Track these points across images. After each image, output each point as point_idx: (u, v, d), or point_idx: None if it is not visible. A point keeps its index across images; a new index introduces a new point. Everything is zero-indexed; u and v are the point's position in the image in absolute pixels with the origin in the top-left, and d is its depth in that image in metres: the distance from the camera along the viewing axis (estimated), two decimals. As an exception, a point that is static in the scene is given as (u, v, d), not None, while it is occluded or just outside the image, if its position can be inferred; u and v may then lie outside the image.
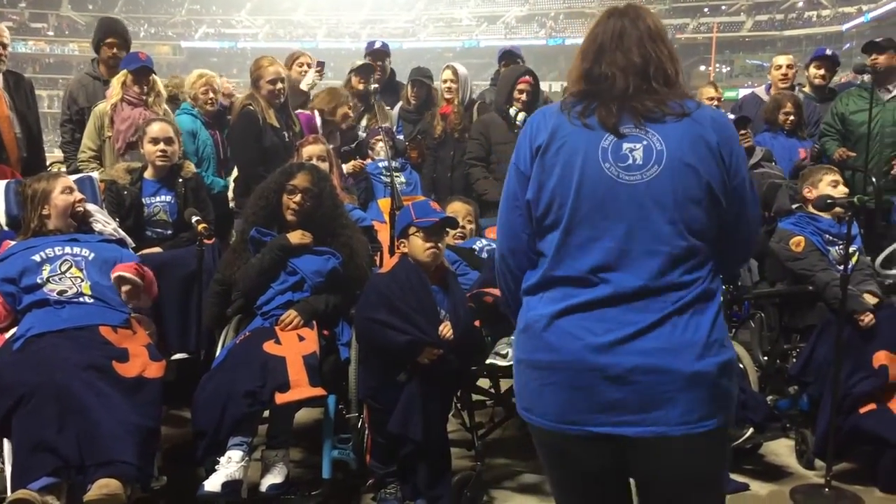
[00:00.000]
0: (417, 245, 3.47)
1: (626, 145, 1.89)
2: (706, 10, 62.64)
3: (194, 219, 3.85)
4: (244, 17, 71.85)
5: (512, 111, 5.39)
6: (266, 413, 3.29)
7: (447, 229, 3.64)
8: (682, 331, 1.83)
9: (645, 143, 1.89)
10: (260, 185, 3.89)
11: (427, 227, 3.47)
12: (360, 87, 5.86)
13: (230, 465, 3.06)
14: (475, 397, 3.92)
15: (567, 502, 2.09)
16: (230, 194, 5.16)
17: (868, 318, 3.87)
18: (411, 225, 3.49)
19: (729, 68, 58.00)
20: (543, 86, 6.74)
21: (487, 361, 3.51)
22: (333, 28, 70.29)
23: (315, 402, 3.33)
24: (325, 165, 4.41)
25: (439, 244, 3.49)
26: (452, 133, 5.79)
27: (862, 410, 3.71)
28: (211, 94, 5.31)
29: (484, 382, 4.04)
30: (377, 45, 6.63)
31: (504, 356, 3.46)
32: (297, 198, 3.73)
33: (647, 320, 1.83)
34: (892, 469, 3.63)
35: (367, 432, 3.47)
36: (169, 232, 4.33)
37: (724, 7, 62.51)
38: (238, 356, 3.32)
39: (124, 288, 3.56)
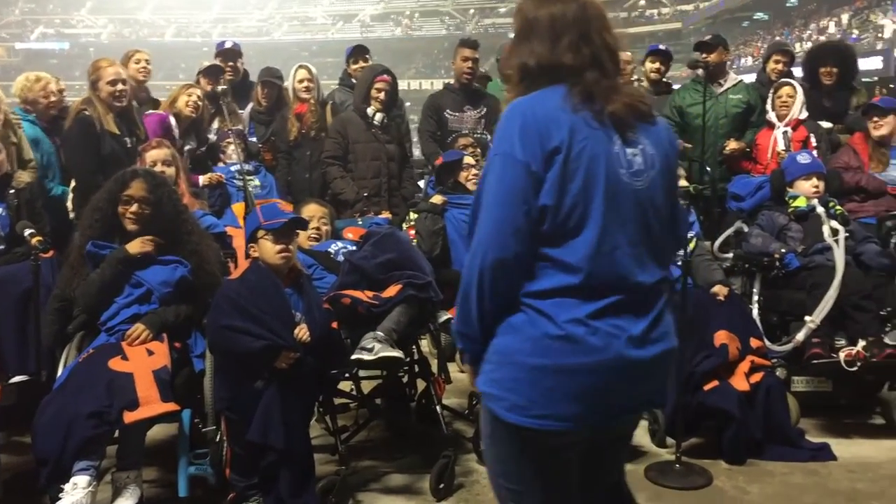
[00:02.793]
0: (267, 248, 3.40)
1: (629, 150, 1.94)
2: (556, 8, 64.40)
3: (27, 232, 3.62)
4: (85, 15, 68.23)
5: (370, 111, 5.36)
6: (117, 433, 3.13)
7: (298, 231, 3.58)
8: (669, 316, 2.02)
9: (641, 147, 1.96)
10: (94, 196, 3.68)
11: (276, 228, 3.40)
12: (210, 89, 5.67)
13: (76, 491, 2.90)
14: (338, 400, 3.89)
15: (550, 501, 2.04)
16: (69, 204, 4.87)
17: (725, 291, 4.13)
18: (259, 228, 3.41)
19: (579, 64, 59.93)
20: (401, 84, 6.73)
21: (353, 357, 3.48)
22: (183, 27, 67.88)
23: (168, 417, 3.19)
24: (170, 170, 4.24)
25: (290, 246, 3.43)
26: (308, 133, 5.70)
27: (706, 388, 3.91)
28: (52, 98, 5.03)
29: (346, 385, 4.00)
30: (228, 44, 6.44)
31: (370, 350, 3.44)
32: (134, 207, 3.56)
33: (655, 312, 1.96)
34: (735, 442, 3.85)
35: (225, 445, 3.35)
36: (1, 247, 4.05)
37: (572, 5, 64.49)
38: (81, 375, 3.14)
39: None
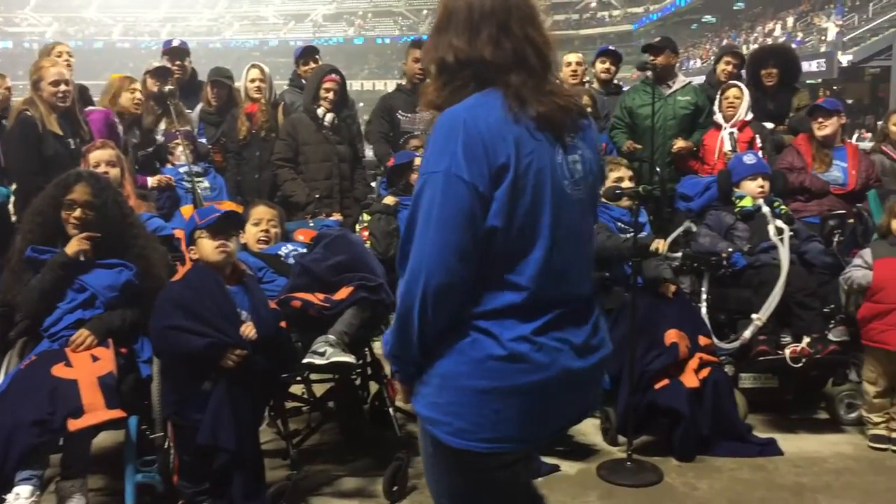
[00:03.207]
0: (206, 246, 3.37)
1: (570, 157, 1.85)
2: (508, 9, 64.84)
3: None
4: (29, 13, 66.66)
5: (320, 111, 5.32)
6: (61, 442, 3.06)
7: (237, 229, 3.55)
8: (604, 321, 2.01)
9: (580, 153, 1.88)
10: (36, 199, 3.59)
11: (211, 224, 3.37)
12: (157, 89, 5.57)
13: (18, 501, 2.84)
14: (290, 404, 3.85)
15: None
16: (11, 207, 4.75)
17: (673, 288, 4.16)
18: (196, 229, 3.38)
19: (532, 65, 60.42)
20: (355, 84, 6.71)
21: (304, 361, 3.43)
22: (131, 26, 66.78)
23: (115, 424, 3.13)
24: (115, 171, 4.15)
25: (228, 242, 3.40)
26: (259, 133, 5.64)
27: (657, 386, 3.96)
28: None
29: (297, 388, 3.97)
30: (175, 43, 6.33)
31: (322, 354, 3.40)
32: (77, 212, 3.47)
33: (593, 320, 1.95)
34: (685, 439, 3.91)
35: (173, 452, 3.29)
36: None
37: (524, 7, 64.99)
38: (23, 383, 3.06)
39: None
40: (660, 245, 4.29)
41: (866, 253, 4.17)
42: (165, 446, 3.30)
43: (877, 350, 4.04)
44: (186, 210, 5.00)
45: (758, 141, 5.43)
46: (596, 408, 2.17)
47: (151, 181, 5.07)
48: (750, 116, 5.53)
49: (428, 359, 1.85)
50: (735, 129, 5.49)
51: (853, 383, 4.36)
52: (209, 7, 68.61)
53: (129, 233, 3.57)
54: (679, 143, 5.69)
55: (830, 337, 4.16)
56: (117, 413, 3.03)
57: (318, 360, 3.39)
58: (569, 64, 6.55)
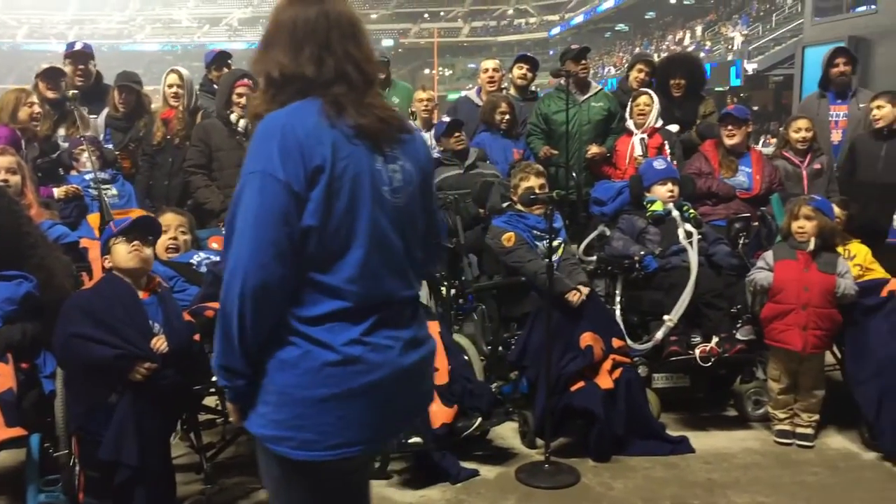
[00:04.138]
0: (120, 252, 3.29)
1: (390, 166, 1.91)
2: (426, 15, 65.28)
3: None
4: (-74, 13, 63.60)
5: (233, 117, 5.22)
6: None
7: (152, 236, 3.46)
8: (424, 319, 2.08)
9: (400, 163, 1.93)
10: None
11: (124, 228, 3.29)
12: (49, 94, 5.35)
13: None
14: (203, 416, 3.76)
15: None
16: None
17: (576, 297, 4.20)
18: (111, 237, 3.28)
19: (451, 71, 60.90)
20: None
21: (216, 378, 3.35)
22: (36, 28, 64.37)
23: (15, 443, 2.99)
24: (15, 178, 3.99)
25: (143, 248, 3.30)
26: (173, 139, 5.50)
27: (573, 388, 4.01)
28: None
29: (211, 400, 3.87)
30: (77, 45, 6.10)
31: None
32: None
33: (417, 319, 2.01)
34: (601, 440, 3.97)
35: (78, 469, 3.17)
36: None
37: (442, 13, 65.49)
38: (-85, 402, 2.90)
39: None
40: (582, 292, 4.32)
41: (768, 255, 4.32)
42: (70, 463, 3.18)
43: (779, 349, 4.19)
44: (93, 218, 4.83)
45: (667, 147, 5.58)
46: (430, 400, 2.18)
47: (58, 192, 4.87)
48: (660, 123, 5.68)
49: (261, 376, 1.85)
50: (645, 135, 5.63)
51: (760, 381, 4.51)
52: (119, 10, 66.72)
53: (26, 242, 3.43)
54: (593, 150, 5.80)
55: (738, 336, 4.29)
56: (18, 431, 2.92)
57: None
58: (486, 70, 6.61)
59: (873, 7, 13.44)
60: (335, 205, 1.80)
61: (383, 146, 1.89)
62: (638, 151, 5.58)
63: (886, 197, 5.17)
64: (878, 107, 5.35)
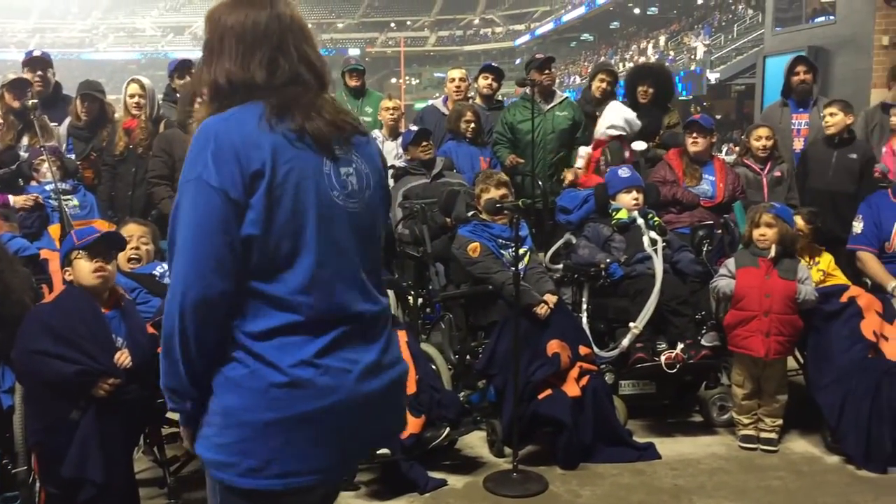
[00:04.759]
0: (82, 268, 3.21)
1: (342, 170, 1.81)
2: (393, 24, 65.33)
3: None
4: None
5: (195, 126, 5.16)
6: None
7: (117, 250, 3.40)
8: (396, 341, 1.95)
9: (355, 166, 1.84)
10: None
11: (89, 245, 3.21)
12: (16, 104, 5.27)
13: None
14: (167, 430, 3.70)
15: None
16: None
17: (543, 310, 4.21)
18: (73, 249, 3.22)
19: (418, 81, 60.98)
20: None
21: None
22: (-4, 36, 63.25)
23: (-28, 460, 2.93)
24: (-28, 191, 3.90)
25: (107, 265, 3.25)
26: (136, 149, 5.44)
27: (540, 396, 4.02)
28: None
29: (175, 414, 3.81)
30: (36, 53, 6.03)
31: None
32: None
33: (380, 340, 1.87)
34: (568, 447, 3.98)
35: (38, 485, 3.10)
36: None
37: (409, 22, 65.60)
38: None
39: None
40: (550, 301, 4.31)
41: (730, 262, 4.37)
42: (30, 480, 3.11)
43: (742, 355, 4.24)
44: (54, 229, 4.77)
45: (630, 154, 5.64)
46: (401, 430, 2.05)
47: (15, 200, 4.79)
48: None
49: (206, 396, 1.75)
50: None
51: (724, 386, 4.56)
52: (81, 18, 65.92)
53: None
54: (569, 177, 5.77)
55: (703, 342, 4.34)
56: (-26, 448, 2.84)
57: None
58: (453, 80, 6.64)
59: (832, 18, 13.72)
60: (277, 211, 1.70)
61: (333, 149, 1.79)
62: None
63: (837, 204, 5.27)
64: (831, 114, 5.47)
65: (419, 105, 23.82)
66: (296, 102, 1.76)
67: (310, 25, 1.90)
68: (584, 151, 5.72)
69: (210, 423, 1.74)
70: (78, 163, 5.44)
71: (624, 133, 5.53)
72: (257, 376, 1.70)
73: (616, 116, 5.65)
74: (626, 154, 5.43)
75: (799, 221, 4.56)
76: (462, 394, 4.33)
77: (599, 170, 5.65)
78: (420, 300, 5.01)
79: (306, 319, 1.73)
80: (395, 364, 1.91)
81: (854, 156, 5.49)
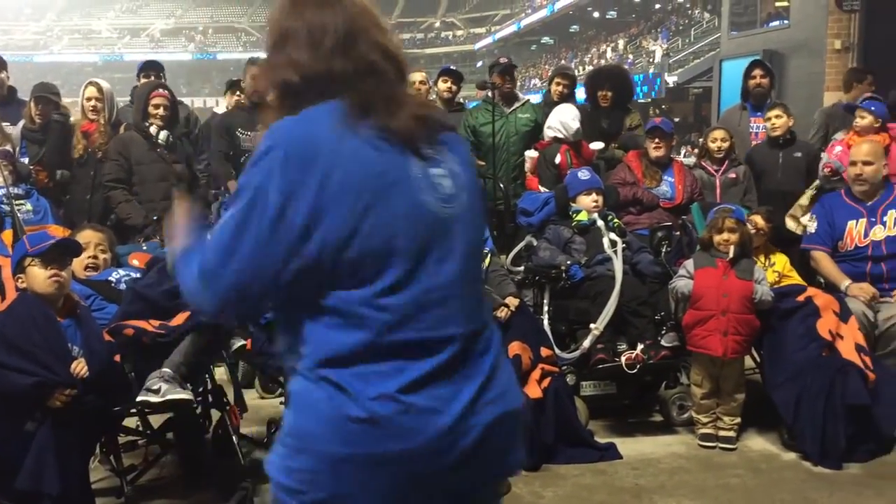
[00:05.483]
0: (36, 275, 3.15)
1: (433, 171, 1.60)
2: (354, 27, 65.04)
3: None
4: None
5: (152, 129, 5.11)
6: None
7: (72, 257, 3.34)
8: (505, 367, 1.68)
9: (446, 166, 1.63)
10: None
11: (43, 252, 3.15)
12: (-26, 108, 5.17)
13: None
14: (124, 438, 3.65)
15: None
16: None
17: (504, 313, 4.22)
18: (26, 256, 3.15)
19: (378, 83, 60.81)
20: (197, 101, 6.51)
21: (139, 399, 3.27)
22: (-54, 38, 61.84)
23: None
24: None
25: (62, 272, 3.18)
26: (95, 153, 5.36)
27: (502, 398, 4.01)
28: None
29: (132, 421, 3.76)
30: (-13, 54, 5.92)
31: (156, 391, 3.24)
32: None
33: (482, 369, 1.61)
34: (530, 449, 3.93)
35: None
36: None
37: (369, 25, 65.38)
38: None
39: None
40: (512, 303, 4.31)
41: (689, 263, 4.42)
42: (-19, 493, 3.05)
43: (701, 355, 4.29)
44: (7, 235, 4.67)
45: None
46: (511, 472, 1.77)
47: None
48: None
49: (287, 401, 1.61)
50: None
51: (683, 386, 4.60)
52: (35, 20, 64.71)
53: None
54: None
55: (662, 343, 4.39)
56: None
57: (153, 399, 3.24)
58: (413, 83, 6.62)
59: (786, 22, 13.98)
60: (362, 223, 1.51)
61: (420, 148, 1.59)
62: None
63: (789, 204, 5.37)
64: (777, 116, 5.63)
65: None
66: (375, 96, 1.58)
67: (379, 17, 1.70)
68: (528, 154, 5.75)
69: (283, 444, 1.59)
70: (31, 167, 5.34)
71: (561, 136, 5.53)
72: (334, 402, 1.52)
73: (553, 119, 5.66)
74: (558, 158, 5.44)
75: (759, 220, 4.65)
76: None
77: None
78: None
79: (393, 343, 1.53)
80: (500, 399, 1.62)
81: (799, 154, 5.66)
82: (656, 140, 5.38)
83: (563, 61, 40.41)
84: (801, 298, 4.35)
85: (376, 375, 1.52)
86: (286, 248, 1.51)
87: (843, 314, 4.30)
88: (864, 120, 5.38)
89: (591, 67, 30.64)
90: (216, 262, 1.53)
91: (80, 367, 3.08)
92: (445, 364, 1.55)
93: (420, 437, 1.52)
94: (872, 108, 5.40)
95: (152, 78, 5.98)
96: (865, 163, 4.69)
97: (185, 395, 3.28)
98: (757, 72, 6.20)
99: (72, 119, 5.67)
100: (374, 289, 1.53)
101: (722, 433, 4.31)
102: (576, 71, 11.12)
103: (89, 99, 5.47)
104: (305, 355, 1.56)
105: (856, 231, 4.67)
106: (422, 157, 1.59)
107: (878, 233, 4.63)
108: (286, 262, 1.51)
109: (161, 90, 5.16)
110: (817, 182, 5.30)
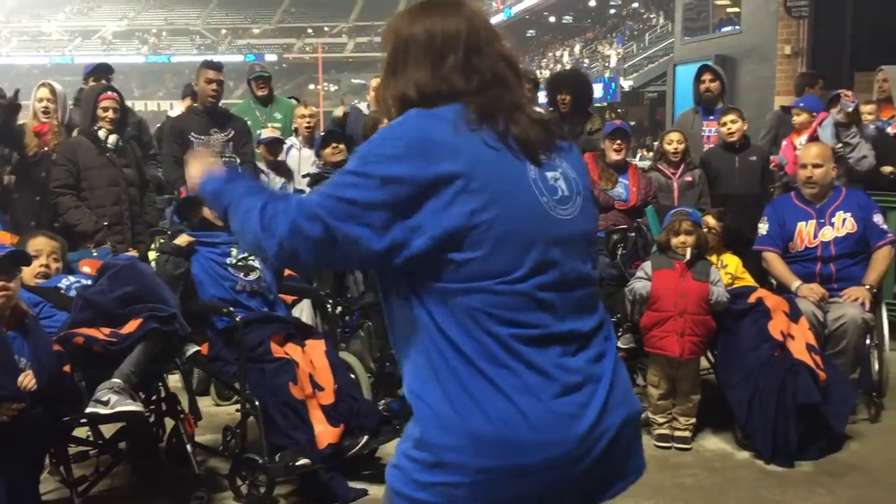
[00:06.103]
0: None
1: (548, 174, 1.61)
2: (310, 31, 64.75)
3: None
4: None
5: (101, 133, 5.01)
6: None
7: (21, 266, 3.26)
8: (621, 365, 1.68)
9: (560, 170, 1.64)
10: None
11: None
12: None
13: None
14: (74, 449, 3.56)
15: None
16: None
17: None
18: None
19: (337, 87, 60.60)
20: (151, 105, 6.42)
21: (88, 410, 3.20)
22: None
23: None
24: None
25: (10, 283, 3.10)
26: (49, 154, 5.24)
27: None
28: None
29: (82, 431, 3.68)
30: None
31: (106, 403, 3.17)
32: None
33: (609, 371, 1.61)
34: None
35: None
36: None
37: (326, 28, 65.14)
38: None
39: None
40: None
41: (647, 265, 4.46)
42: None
43: (658, 356, 4.33)
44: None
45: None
46: (636, 478, 1.69)
47: None
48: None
49: (413, 400, 1.57)
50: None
51: (640, 387, 4.64)
52: (-18, 21, 63.24)
53: None
54: None
55: (619, 344, 4.42)
56: None
57: (103, 410, 3.17)
58: (375, 87, 6.62)
59: (737, 28, 14.25)
60: (475, 224, 1.50)
61: (538, 153, 1.61)
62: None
63: (745, 207, 5.46)
64: (732, 121, 5.73)
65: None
66: (499, 104, 1.60)
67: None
68: None
69: (412, 458, 1.55)
70: (-24, 171, 5.20)
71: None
72: (464, 415, 1.49)
73: None
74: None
75: (711, 220, 4.72)
76: (382, 402, 4.30)
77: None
78: (339, 308, 4.96)
79: (554, 334, 1.55)
80: (625, 400, 1.63)
81: (754, 158, 5.79)
82: (618, 141, 5.43)
83: (521, 66, 40.67)
84: (751, 299, 4.41)
85: (536, 373, 1.52)
86: (385, 237, 1.50)
87: (794, 314, 4.38)
88: (799, 117, 5.53)
89: (547, 72, 30.90)
90: (305, 216, 1.50)
91: (27, 379, 3.00)
92: (581, 365, 1.57)
93: (563, 446, 1.51)
94: (802, 105, 5.57)
95: (103, 82, 5.88)
96: (815, 165, 4.78)
97: (135, 406, 3.22)
98: (706, 76, 6.30)
99: (23, 121, 5.55)
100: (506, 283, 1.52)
101: (677, 433, 4.35)
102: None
103: (41, 100, 5.36)
104: (436, 362, 1.53)
105: (805, 232, 4.76)
106: (538, 163, 1.61)
107: (828, 234, 4.73)
108: (381, 248, 1.50)
109: (109, 92, 5.07)
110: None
